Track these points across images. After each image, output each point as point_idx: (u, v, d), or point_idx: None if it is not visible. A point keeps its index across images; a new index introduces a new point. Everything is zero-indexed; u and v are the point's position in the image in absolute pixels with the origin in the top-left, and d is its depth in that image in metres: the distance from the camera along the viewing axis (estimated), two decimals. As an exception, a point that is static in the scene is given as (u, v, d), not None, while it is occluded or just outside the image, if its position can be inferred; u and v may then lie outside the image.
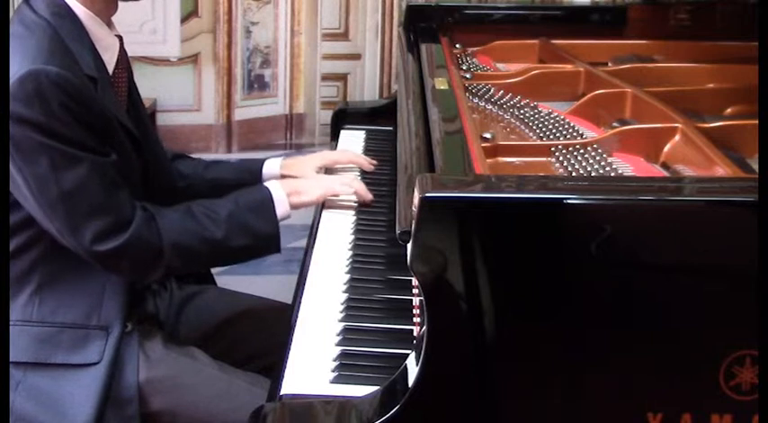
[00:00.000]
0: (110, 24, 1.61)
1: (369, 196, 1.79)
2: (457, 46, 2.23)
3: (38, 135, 1.41)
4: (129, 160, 1.57)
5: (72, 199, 1.45)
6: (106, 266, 1.52)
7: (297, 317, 1.42)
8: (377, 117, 2.45)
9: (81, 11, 1.54)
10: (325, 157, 2.00)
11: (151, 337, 1.62)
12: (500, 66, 2.17)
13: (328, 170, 1.96)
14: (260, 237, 1.60)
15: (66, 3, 1.53)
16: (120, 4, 1.60)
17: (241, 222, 1.58)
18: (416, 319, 1.40)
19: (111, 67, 1.59)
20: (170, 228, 1.53)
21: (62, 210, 1.45)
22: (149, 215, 1.52)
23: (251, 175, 1.86)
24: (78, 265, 1.52)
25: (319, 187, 1.74)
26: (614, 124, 1.57)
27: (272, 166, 1.89)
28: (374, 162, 2.00)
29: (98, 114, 1.48)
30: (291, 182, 1.74)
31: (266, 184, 1.68)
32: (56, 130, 1.42)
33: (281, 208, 1.63)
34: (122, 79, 1.63)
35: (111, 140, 1.51)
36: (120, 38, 1.63)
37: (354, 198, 1.80)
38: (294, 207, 1.66)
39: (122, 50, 1.63)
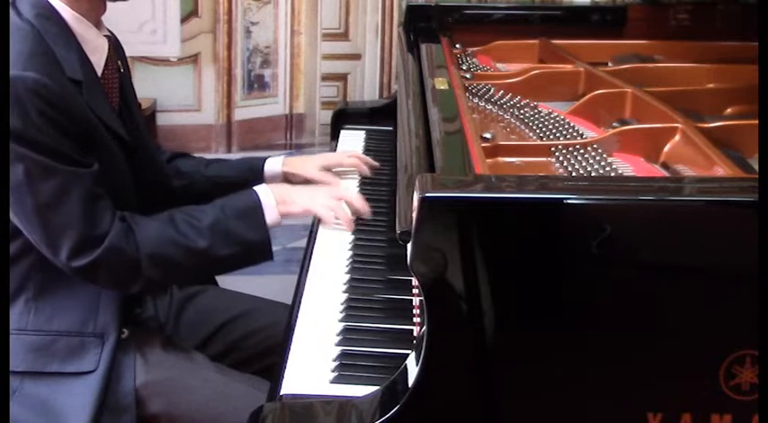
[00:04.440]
0: (99, 25, 1.58)
1: (349, 224, 1.68)
2: (457, 46, 2.23)
3: (14, 144, 1.38)
4: (117, 165, 1.54)
5: (47, 211, 1.42)
6: (84, 279, 1.49)
7: (297, 317, 1.42)
8: (377, 117, 2.45)
9: (67, 12, 1.51)
10: (328, 158, 1.97)
11: (149, 339, 1.62)
12: (500, 66, 2.17)
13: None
14: (249, 245, 1.55)
15: (51, 5, 1.50)
16: (108, 4, 1.57)
17: (227, 230, 1.53)
18: (416, 319, 1.40)
19: (99, 69, 1.56)
20: (148, 238, 1.49)
21: (38, 222, 1.43)
22: (127, 226, 1.48)
23: (253, 173, 1.85)
24: None
25: (306, 200, 1.65)
26: (614, 124, 1.57)
27: (274, 163, 1.87)
28: (376, 165, 1.98)
29: (79, 121, 1.45)
30: (282, 188, 1.68)
31: (257, 188, 1.62)
32: (33, 139, 1.39)
33: (271, 214, 1.58)
34: (113, 81, 1.59)
35: (94, 147, 1.48)
36: (110, 38, 1.60)
37: (353, 196, 1.79)
38: (282, 216, 1.60)
39: (112, 51, 1.60)
